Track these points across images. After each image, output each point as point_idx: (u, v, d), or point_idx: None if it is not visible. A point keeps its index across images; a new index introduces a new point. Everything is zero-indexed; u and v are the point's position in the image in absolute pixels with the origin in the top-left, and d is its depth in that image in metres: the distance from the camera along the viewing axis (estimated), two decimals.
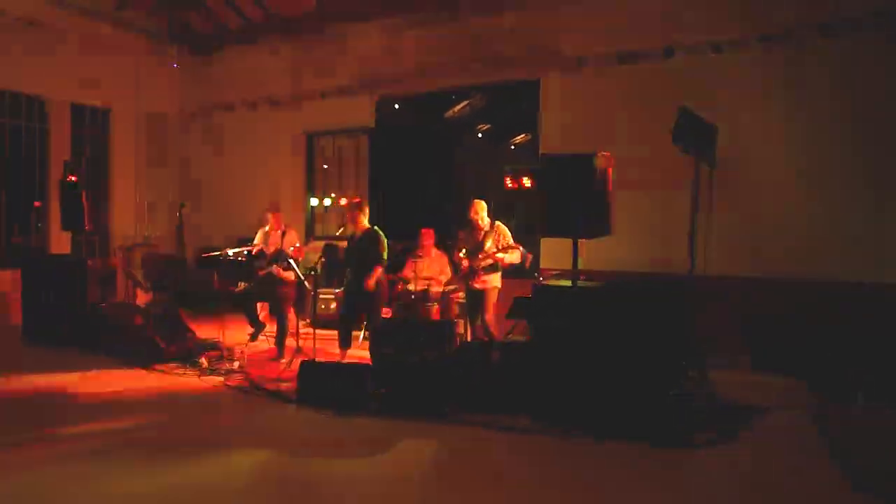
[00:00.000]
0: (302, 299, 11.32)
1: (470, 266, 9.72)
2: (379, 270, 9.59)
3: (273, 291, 10.38)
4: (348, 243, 9.97)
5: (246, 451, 6.39)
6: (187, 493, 5.43)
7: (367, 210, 9.94)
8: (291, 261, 10.05)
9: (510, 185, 11.34)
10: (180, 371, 9.46)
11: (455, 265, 10.35)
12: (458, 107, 15.75)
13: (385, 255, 9.65)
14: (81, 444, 6.55)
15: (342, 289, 10.49)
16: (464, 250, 9.89)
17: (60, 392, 8.36)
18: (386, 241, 9.70)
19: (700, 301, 7.99)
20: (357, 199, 10.18)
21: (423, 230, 11.01)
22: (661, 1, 10.75)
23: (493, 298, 9.80)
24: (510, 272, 10.05)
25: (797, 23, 9.80)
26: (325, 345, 9.97)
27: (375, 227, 9.84)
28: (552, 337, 7.37)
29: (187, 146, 16.87)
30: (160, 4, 15.34)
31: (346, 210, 10.13)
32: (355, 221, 9.82)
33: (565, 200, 7.24)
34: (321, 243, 11.65)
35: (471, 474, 5.94)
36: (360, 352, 9.89)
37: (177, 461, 6.12)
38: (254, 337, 10.92)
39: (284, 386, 8.54)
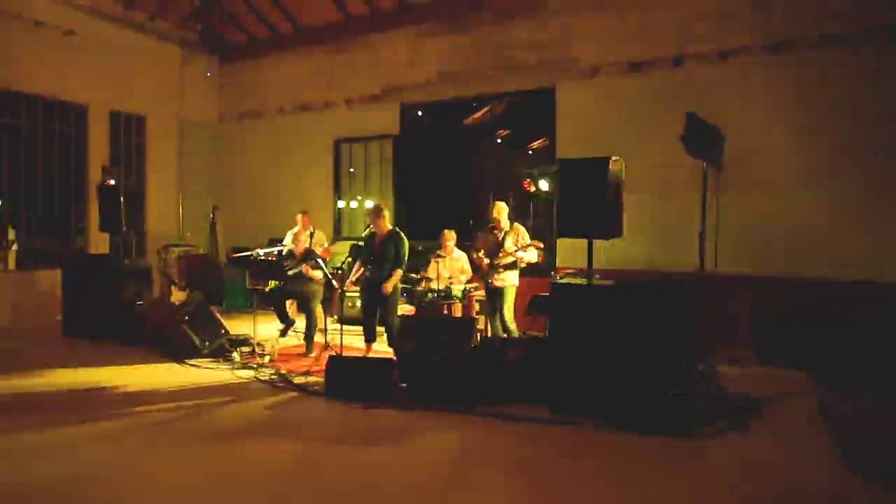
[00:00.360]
0: (329, 297, 11.43)
1: (490, 264, 9.83)
2: (398, 273, 9.71)
3: (302, 289, 10.49)
4: (366, 242, 10.04)
5: (278, 440, 6.51)
6: (226, 478, 5.59)
7: (386, 213, 10.05)
8: (319, 260, 10.17)
9: (528, 188, 11.42)
10: (213, 365, 9.56)
11: (475, 264, 10.45)
12: (479, 113, 15.82)
13: (405, 257, 9.77)
14: (124, 430, 6.75)
15: (360, 285, 10.56)
16: (483, 249, 10.02)
17: (100, 384, 8.49)
18: (407, 242, 9.82)
19: (709, 298, 8.06)
20: (379, 204, 10.26)
21: (445, 231, 11.10)
22: (670, 12, 10.83)
23: (511, 296, 9.90)
24: (528, 271, 10.16)
25: (799, 33, 9.86)
26: (351, 340, 10.12)
27: (397, 229, 9.97)
28: (569, 332, 7.44)
29: (220, 151, 17.09)
30: (193, 16, 15.51)
31: (367, 214, 10.23)
32: (377, 224, 9.93)
33: (580, 202, 7.32)
34: (348, 243, 11.77)
35: (495, 461, 6.06)
36: (384, 346, 10.00)
37: (210, 449, 6.28)
38: (283, 333, 10.99)
39: (313, 380, 8.65)
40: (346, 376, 7.98)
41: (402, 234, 9.86)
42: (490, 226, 10.11)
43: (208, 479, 5.53)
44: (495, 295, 9.94)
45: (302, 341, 10.50)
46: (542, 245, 9.83)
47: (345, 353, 9.05)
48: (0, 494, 5.22)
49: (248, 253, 11.12)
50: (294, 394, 8.21)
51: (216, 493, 5.26)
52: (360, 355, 9.42)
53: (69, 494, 5.21)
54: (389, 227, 9.97)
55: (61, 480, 5.41)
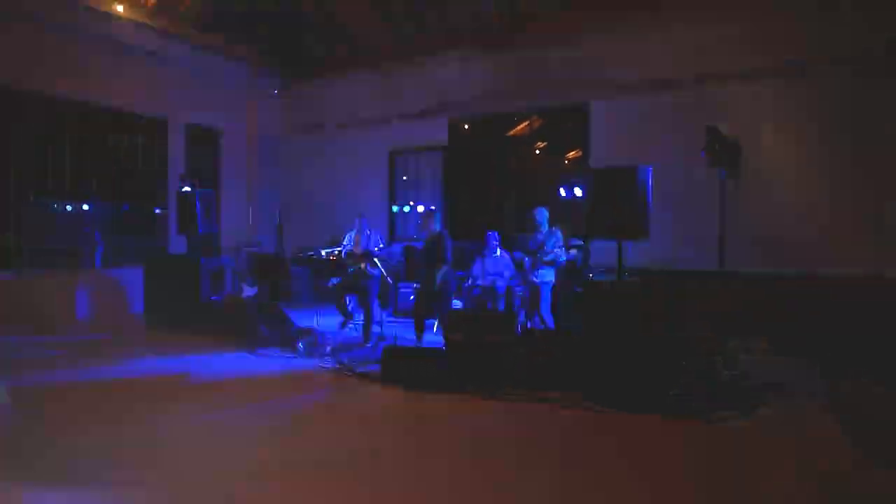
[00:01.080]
0: (385, 292, 11.60)
1: (531, 263, 10.03)
2: (443, 269, 9.90)
3: (360, 285, 10.70)
4: (424, 243, 10.33)
5: (341, 419, 6.77)
6: (297, 452, 5.86)
7: (435, 217, 10.29)
8: (376, 259, 10.37)
9: (564, 195, 11.57)
10: (280, 354, 9.76)
11: (517, 263, 10.63)
12: (520, 127, 16.00)
13: (448, 254, 9.97)
14: (214, 409, 7.05)
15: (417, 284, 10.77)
16: (523, 250, 10.23)
17: (183, 371, 8.74)
18: (450, 242, 10.02)
19: (727, 293, 8.16)
20: (431, 208, 10.47)
21: (489, 232, 11.25)
22: (692, 35, 10.92)
23: (548, 292, 10.09)
24: (563, 269, 10.33)
25: (811, 54, 9.91)
26: (404, 332, 10.31)
27: (441, 231, 10.19)
28: (599, 325, 7.58)
29: (287, 161, 17.37)
30: (262, 39, 15.82)
31: (421, 217, 10.44)
32: (428, 227, 10.18)
33: (611, 207, 7.47)
34: (402, 244, 11.99)
35: (535, 440, 6.22)
36: (434, 338, 10.16)
37: (281, 425, 6.54)
38: (344, 325, 11.23)
39: (370, 367, 8.79)
40: (400, 364, 8.10)
41: (445, 235, 10.05)
42: (533, 228, 10.32)
43: (283, 452, 5.78)
44: (535, 291, 10.13)
45: (360, 332, 10.73)
46: (583, 244, 10.03)
47: (399, 344, 9.25)
48: (131, 457, 5.52)
49: (312, 253, 11.32)
50: (353, 380, 8.37)
51: (290, 464, 5.51)
52: (413, 345, 9.66)
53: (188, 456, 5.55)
54: (436, 229, 10.21)
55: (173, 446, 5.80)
